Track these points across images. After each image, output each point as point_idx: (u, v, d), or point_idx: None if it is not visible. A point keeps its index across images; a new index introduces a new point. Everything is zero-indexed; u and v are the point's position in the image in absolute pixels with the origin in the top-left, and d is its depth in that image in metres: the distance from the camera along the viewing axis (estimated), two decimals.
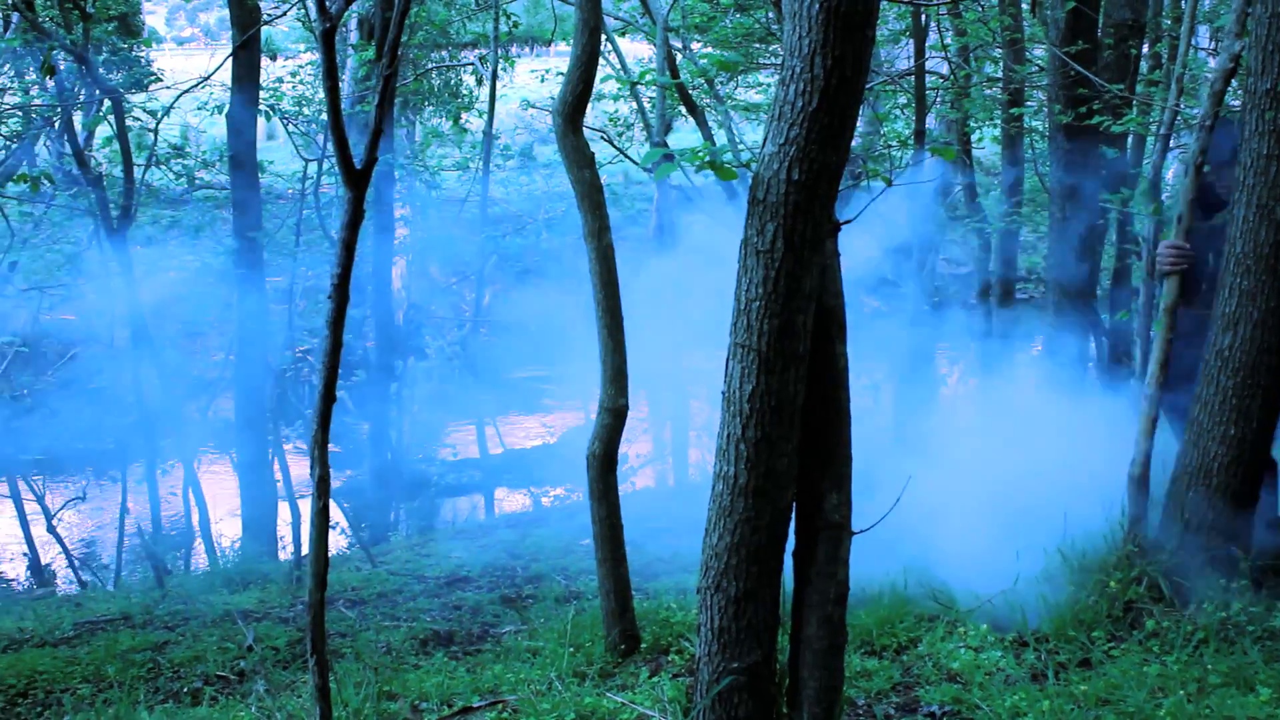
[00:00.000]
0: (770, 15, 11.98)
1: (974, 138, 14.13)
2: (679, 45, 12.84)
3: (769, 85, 17.83)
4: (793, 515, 3.69)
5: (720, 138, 12.77)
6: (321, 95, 14.82)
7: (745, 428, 3.41)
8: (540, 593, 7.51)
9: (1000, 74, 12.60)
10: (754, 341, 3.33)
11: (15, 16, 11.64)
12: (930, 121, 14.19)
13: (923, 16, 12.06)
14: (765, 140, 3.26)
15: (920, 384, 12.54)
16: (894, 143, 13.94)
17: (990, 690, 4.53)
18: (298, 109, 14.58)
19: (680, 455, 13.42)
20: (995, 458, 6.67)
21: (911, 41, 12.39)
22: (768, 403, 3.38)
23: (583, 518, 5.62)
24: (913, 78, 12.20)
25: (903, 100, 14.34)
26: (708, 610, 3.68)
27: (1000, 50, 12.09)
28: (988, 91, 13.49)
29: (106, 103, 11.30)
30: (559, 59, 20.82)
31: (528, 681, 4.92)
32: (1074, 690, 4.44)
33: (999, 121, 12.65)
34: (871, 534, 3.82)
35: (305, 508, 10.34)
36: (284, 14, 13.14)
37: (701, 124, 11.92)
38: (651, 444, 14.31)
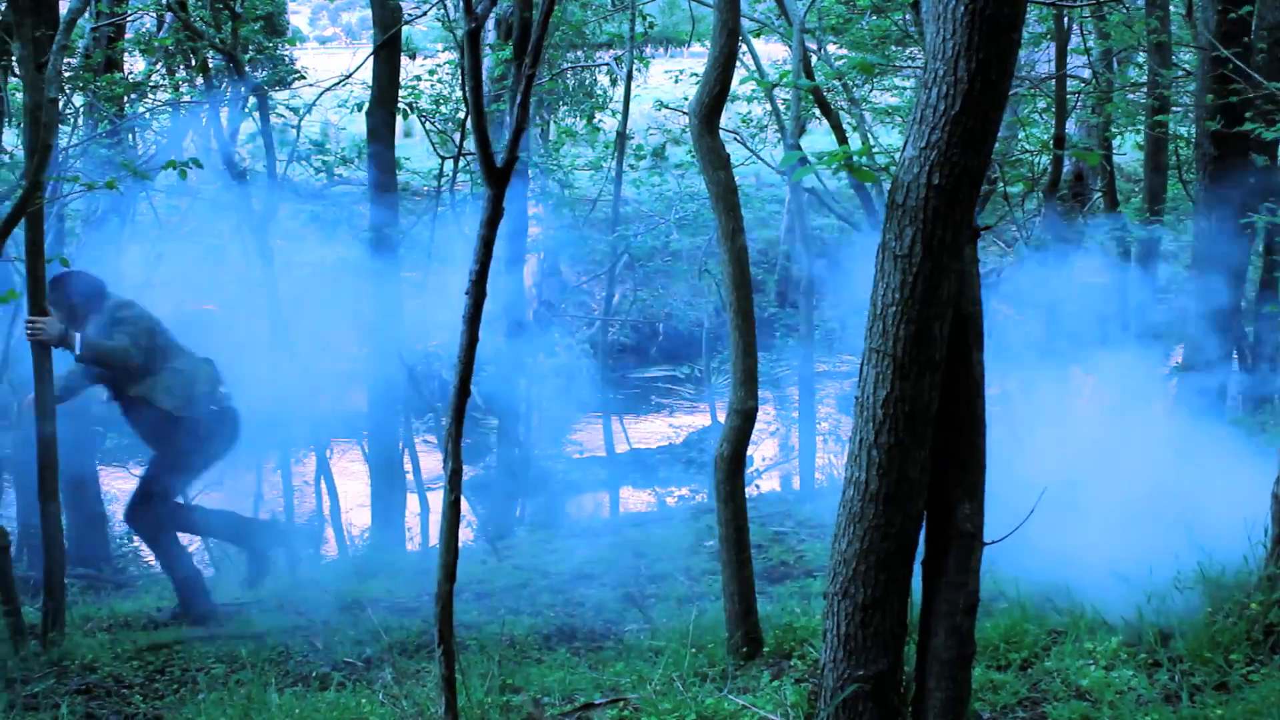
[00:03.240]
0: (907, 18, 11.85)
1: (1115, 143, 13.82)
2: (814, 47, 12.77)
3: (904, 88, 17.64)
4: (923, 523, 3.65)
5: (854, 141, 12.67)
6: (459, 94, 15.06)
7: (878, 433, 3.38)
8: (663, 592, 7.52)
9: (1144, 78, 12.31)
10: (889, 347, 3.30)
11: (169, 16, 12.00)
12: (1070, 126, 13.91)
13: (1065, 19, 11.82)
14: (905, 144, 3.23)
15: (1052, 393, 12.30)
16: (1032, 148, 13.68)
17: (1121, 710, 4.43)
18: (435, 107, 14.78)
19: (807, 459, 13.33)
20: (1128, 471, 6.52)
21: (1053, 45, 12.14)
22: (901, 409, 3.35)
23: (707, 519, 5.63)
24: (1053, 81, 11.98)
25: (1042, 104, 14.07)
26: (834, 616, 3.66)
27: (1145, 54, 11.81)
28: (1131, 96, 13.19)
29: (252, 99, 11.57)
30: (693, 60, 20.83)
31: (648, 680, 4.93)
32: (1210, 714, 4.32)
33: (1142, 127, 12.35)
34: (998, 543, 3.76)
35: (434, 500, 10.50)
36: (424, 14, 13.35)
37: (836, 127, 11.81)
38: (777, 447, 14.26)
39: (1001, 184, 12.61)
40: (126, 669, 5.78)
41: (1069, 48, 12.27)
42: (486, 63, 15.61)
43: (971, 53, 3.06)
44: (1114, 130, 13.27)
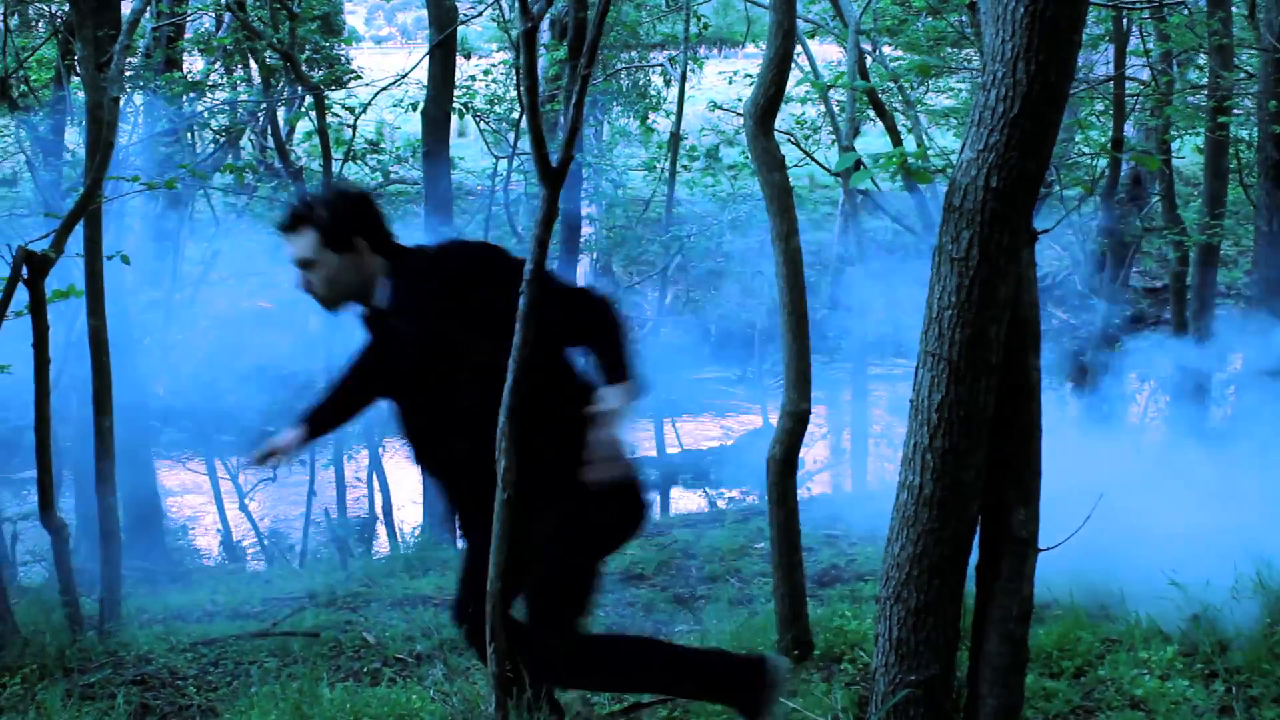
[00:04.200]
0: (963, 19, 11.77)
1: (1174, 146, 13.67)
2: (869, 48, 12.71)
3: (959, 90, 17.54)
4: (977, 528, 3.62)
5: (908, 143, 12.60)
6: (513, 94, 15.12)
7: (932, 437, 3.36)
8: (714, 594, 7.50)
9: (1205, 80, 12.16)
10: (945, 350, 3.28)
11: (228, 16, 12.12)
12: (1129, 129, 13.77)
13: (1124, 21, 11.70)
14: (963, 146, 3.21)
15: (1108, 398, 12.20)
16: (1090, 150, 13.56)
17: None
18: (489, 107, 14.86)
19: (858, 462, 13.28)
20: (1185, 477, 6.45)
21: (1112, 46, 12.03)
22: (956, 413, 3.32)
23: (758, 521, 5.61)
24: (1111, 83, 11.86)
25: (1100, 107, 13.95)
26: (886, 620, 3.64)
27: (1206, 56, 11.67)
28: (1191, 99, 13.03)
29: (308, 99, 11.67)
30: (747, 61, 20.80)
31: None
32: None
33: (1202, 130, 12.21)
34: (1050, 550, 3.72)
35: None
36: (480, 14, 13.41)
37: (890, 129, 11.76)
38: (829, 449, 14.21)
39: (1058, 187, 12.50)
40: (180, 661, 5.84)
41: (1128, 49, 12.15)
42: (541, 63, 15.67)
43: (1031, 55, 3.03)
44: (1173, 133, 13.12)
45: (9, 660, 5.57)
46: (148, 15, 10.55)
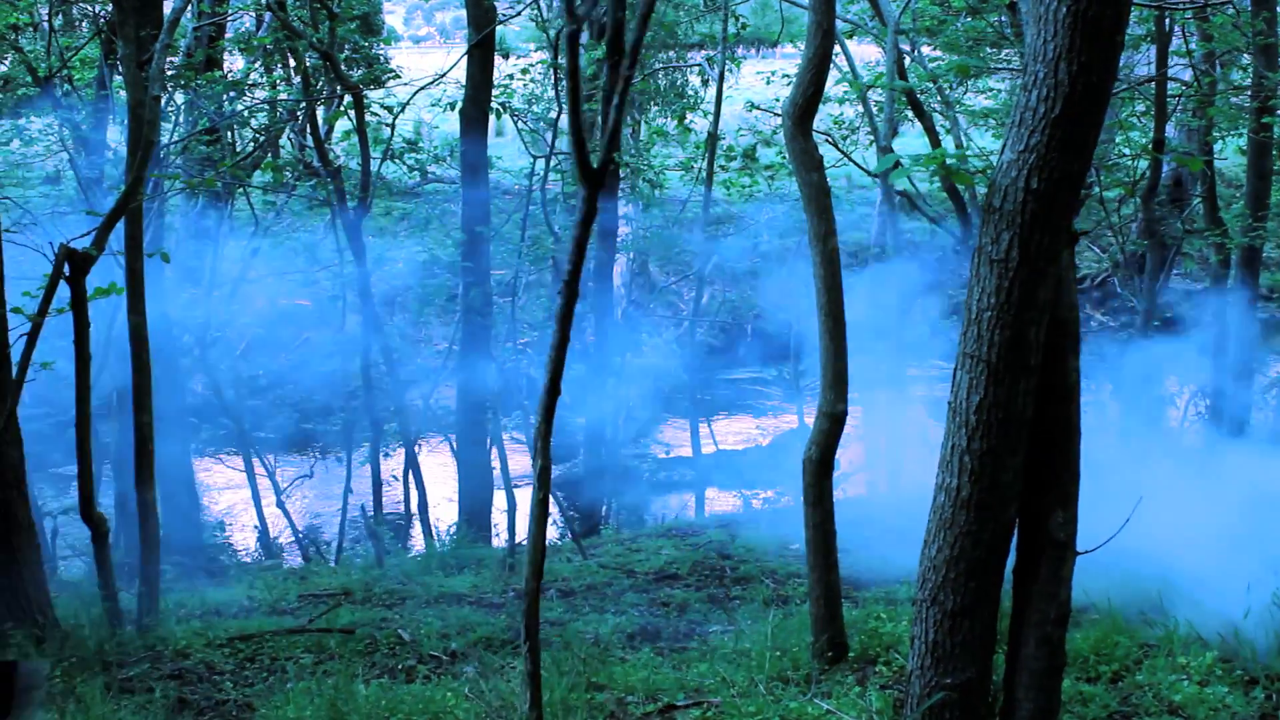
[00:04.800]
0: (1003, 19, 11.69)
1: (1216, 147, 13.53)
2: (907, 48, 12.65)
3: (998, 91, 17.43)
4: (1014, 531, 3.60)
5: (946, 144, 12.52)
6: (550, 93, 15.14)
7: (970, 439, 3.34)
8: (748, 594, 7.49)
9: (1249, 81, 12.03)
10: (983, 352, 3.27)
11: (268, 16, 12.19)
12: (1170, 130, 13.65)
13: (1167, 21, 11.59)
14: (1003, 147, 3.19)
15: (1147, 402, 12.10)
16: (1131, 151, 13.44)
17: None
18: (527, 106, 14.87)
19: (895, 463, 13.21)
20: (1224, 483, 6.39)
21: (1153, 47, 11.92)
22: (995, 415, 3.31)
23: (793, 522, 5.59)
24: (1153, 84, 11.75)
25: (1141, 108, 13.83)
26: (922, 623, 3.62)
27: (1250, 56, 11.54)
28: (1234, 99, 12.90)
29: (347, 98, 11.72)
30: (785, 61, 20.75)
31: (732, 683, 4.92)
32: None
33: (1245, 131, 12.08)
34: (1088, 554, 3.70)
35: (521, 496, 10.57)
36: (518, 13, 13.43)
37: (929, 129, 11.70)
38: (865, 451, 14.14)
39: (1098, 188, 12.40)
40: (218, 656, 5.89)
41: (1170, 49, 12.03)
42: (580, 63, 15.67)
43: (1073, 55, 3.01)
44: (1215, 134, 12.98)
45: (49, 653, 5.63)
46: (189, 15, 10.63)
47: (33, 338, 5.50)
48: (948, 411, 3.43)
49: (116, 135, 12.52)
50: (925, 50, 13.55)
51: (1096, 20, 2.99)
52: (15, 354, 5.72)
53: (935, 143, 11.66)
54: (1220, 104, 12.43)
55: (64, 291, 5.56)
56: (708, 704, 4.68)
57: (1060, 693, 3.75)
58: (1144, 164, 12.57)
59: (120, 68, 9.28)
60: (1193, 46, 12.27)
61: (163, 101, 7.32)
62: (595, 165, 3.49)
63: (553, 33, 12.80)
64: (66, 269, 5.51)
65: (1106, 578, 5.51)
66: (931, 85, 12.52)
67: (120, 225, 6.43)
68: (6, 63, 14.60)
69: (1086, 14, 2.98)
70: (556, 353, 3.64)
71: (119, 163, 10.83)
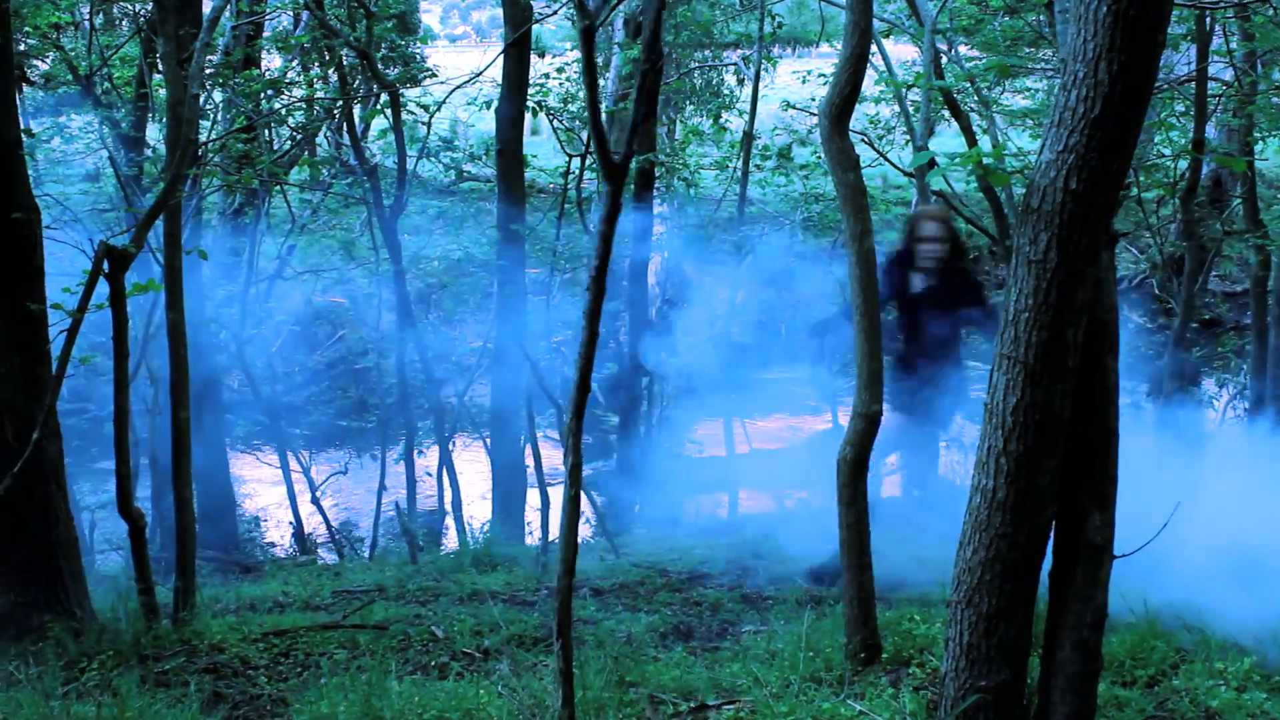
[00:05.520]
0: (1041, 18, 11.62)
1: (1257, 148, 13.41)
2: (944, 48, 12.59)
3: (1035, 90, 17.33)
4: (1051, 534, 3.58)
5: (983, 143, 12.45)
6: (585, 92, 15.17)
7: (1007, 441, 3.32)
8: (781, 594, 7.47)
9: None
10: (1021, 353, 3.25)
11: (305, 15, 12.26)
12: (1210, 130, 13.53)
13: (1207, 19, 11.49)
14: (1042, 147, 3.17)
15: (1184, 405, 11.99)
16: (1170, 151, 13.34)
17: None
18: (563, 105, 14.89)
19: (929, 465, 13.15)
20: (1263, 486, 6.33)
21: (1193, 46, 11.82)
22: (1032, 416, 3.29)
23: (827, 523, 5.57)
24: (1193, 83, 11.65)
25: (1180, 107, 13.72)
26: (957, 625, 3.61)
27: None
28: (1276, 99, 12.78)
29: (383, 96, 11.77)
30: (821, 60, 20.69)
31: (765, 683, 4.91)
32: None
33: None
34: (1125, 557, 3.67)
35: (554, 494, 10.58)
36: (554, 12, 13.45)
37: (966, 129, 11.63)
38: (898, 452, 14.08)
39: (1136, 189, 12.31)
40: (252, 651, 5.92)
41: (1210, 48, 11.93)
42: (614, 61, 15.69)
43: (1113, 54, 2.99)
44: (1256, 134, 12.86)
45: (87, 646, 5.68)
46: (228, 13, 10.69)
47: (72, 334, 5.54)
48: (984, 413, 3.41)
49: (155, 133, 12.63)
50: (962, 49, 13.49)
51: (1137, 19, 2.96)
52: (54, 350, 5.78)
53: (972, 142, 11.60)
54: (1261, 103, 12.31)
55: (103, 288, 5.60)
56: (740, 704, 4.68)
57: (1096, 697, 3.72)
58: (1183, 164, 12.47)
59: (160, 66, 9.34)
60: (1234, 46, 12.15)
61: (201, 100, 7.38)
62: (618, 161, 3.49)
63: None
64: (106, 265, 5.54)
65: (1144, 582, 5.47)
66: (968, 85, 12.46)
67: (159, 222, 6.47)
68: (48, 61, 14.75)
69: (1127, 13, 2.95)
70: (586, 349, 3.65)
71: (158, 160, 10.92)
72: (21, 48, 12.63)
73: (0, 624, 5.84)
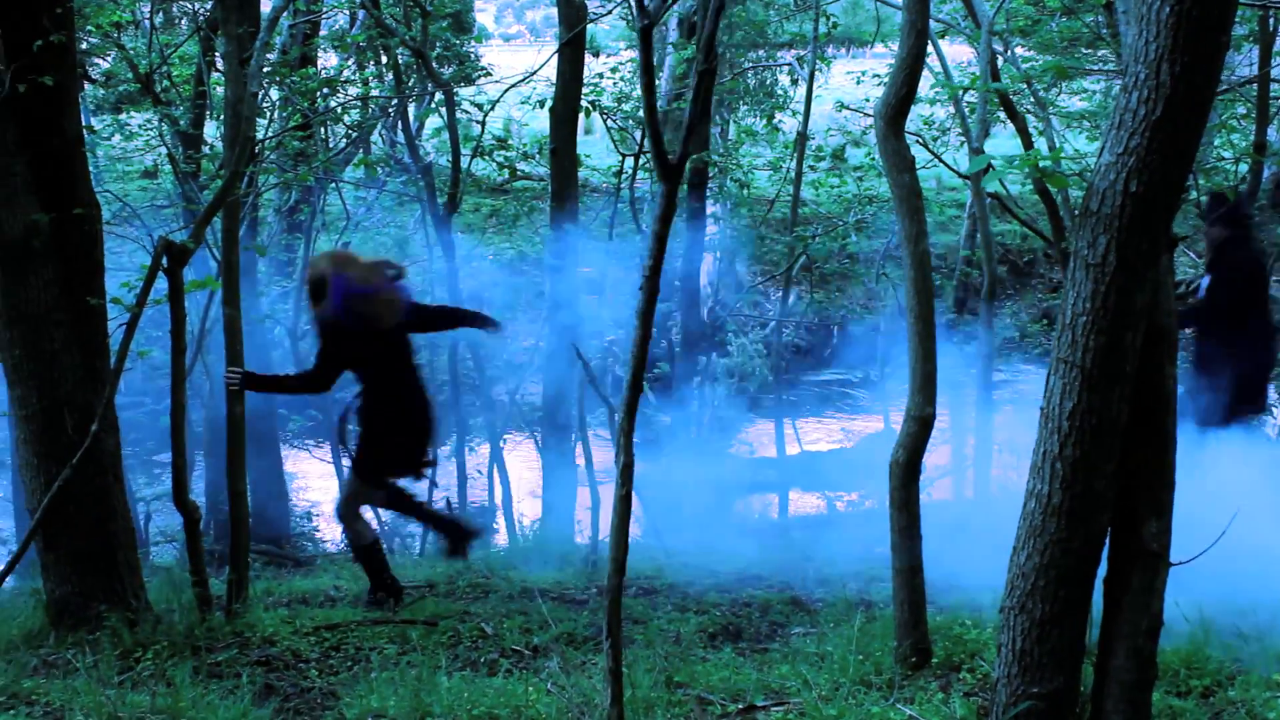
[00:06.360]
0: (1099, 19, 11.51)
1: None
2: (1000, 48, 12.49)
3: (1093, 92, 17.17)
4: (1106, 540, 3.54)
5: (1040, 145, 12.34)
6: (639, 92, 15.18)
7: (1063, 446, 3.29)
8: (831, 597, 7.44)
9: None
10: (1078, 358, 3.22)
11: (362, 14, 12.34)
12: (1271, 133, 13.35)
13: (1270, 20, 11.34)
14: (1102, 149, 3.14)
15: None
16: (1231, 154, 13.17)
17: None
18: (616, 105, 14.91)
19: (982, 469, 13.06)
20: None
21: (1255, 47, 11.67)
22: (1088, 421, 3.25)
23: (878, 525, 5.55)
24: (1254, 85, 11.51)
25: (1242, 110, 13.55)
26: (1009, 631, 3.58)
27: None
28: None
29: (438, 95, 11.83)
30: (875, 60, 20.60)
31: (814, 685, 4.89)
32: None
33: None
34: (1182, 565, 3.63)
35: (605, 493, 10.59)
36: (609, 12, 13.46)
37: (1022, 131, 11.54)
38: (951, 455, 14.00)
39: (1195, 192, 12.18)
40: (304, 644, 5.97)
41: (1273, 49, 11.77)
42: (669, 61, 15.69)
43: (1175, 55, 2.95)
44: None
45: (142, 637, 5.75)
46: (286, 13, 10.78)
47: (131, 328, 5.61)
48: (1040, 417, 3.38)
49: (213, 130, 12.76)
50: (1019, 50, 13.39)
51: (1200, 20, 2.92)
52: (113, 344, 5.85)
53: (1028, 144, 11.51)
54: None
55: (162, 283, 5.67)
56: (789, 706, 4.66)
57: (1150, 706, 3.68)
58: (1244, 167, 12.32)
59: (220, 64, 9.43)
60: None
61: (259, 98, 7.45)
62: (673, 161, 3.49)
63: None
64: (165, 261, 5.61)
65: (1198, 590, 5.40)
66: (1025, 86, 12.36)
67: (217, 219, 6.54)
68: (109, 59, 14.95)
69: (1190, 13, 2.92)
70: (639, 350, 3.65)
71: (215, 157, 11.03)
72: (83, 46, 12.80)
73: (58, 613, 5.93)
